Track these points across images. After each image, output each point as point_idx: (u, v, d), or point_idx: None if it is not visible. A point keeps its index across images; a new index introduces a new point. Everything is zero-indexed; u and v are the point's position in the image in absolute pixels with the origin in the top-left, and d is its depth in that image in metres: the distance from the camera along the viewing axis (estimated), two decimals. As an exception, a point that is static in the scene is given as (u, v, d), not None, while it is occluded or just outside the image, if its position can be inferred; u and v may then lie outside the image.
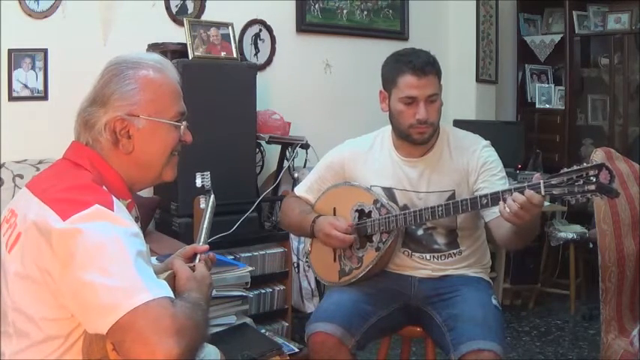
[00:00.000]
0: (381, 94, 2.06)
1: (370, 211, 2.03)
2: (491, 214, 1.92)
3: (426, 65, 1.94)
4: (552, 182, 1.61)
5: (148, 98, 1.30)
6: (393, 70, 1.99)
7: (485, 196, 1.76)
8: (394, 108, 1.99)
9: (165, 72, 1.34)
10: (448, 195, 2.01)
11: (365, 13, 4.02)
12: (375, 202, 2.02)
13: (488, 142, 2.08)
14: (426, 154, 2.04)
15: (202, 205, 1.59)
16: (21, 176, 2.69)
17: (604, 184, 1.54)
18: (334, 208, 2.10)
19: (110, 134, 1.28)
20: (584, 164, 1.59)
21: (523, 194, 1.63)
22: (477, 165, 2.00)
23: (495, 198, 1.73)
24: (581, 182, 1.56)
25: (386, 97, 2.04)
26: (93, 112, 1.28)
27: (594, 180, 1.54)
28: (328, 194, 2.14)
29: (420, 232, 2.06)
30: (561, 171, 1.61)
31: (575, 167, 1.59)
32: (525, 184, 1.65)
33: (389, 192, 2.05)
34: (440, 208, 1.87)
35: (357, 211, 2.06)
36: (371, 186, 2.07)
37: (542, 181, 1.62)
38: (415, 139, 1.99)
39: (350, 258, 2.07)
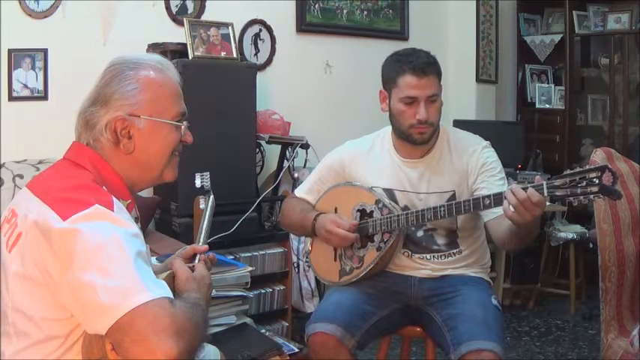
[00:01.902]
0: (381, 94, 2.06)
1: (372, 211, 2.02)
2: (490, 214, 1.91)
3: (426, 65, 1.94)
4: (555, 183, 1.61)
5: (149, 98, 1.30)
6: (393, 70, 1.99)
7: (489, 196, 1.76)
8: (394, 108, 1.99)
9: (166, 72, 1.34)
10: (448, 196, 2.01)
11: (365, 13, 4.02)
12: (377, 202, 2.01)
13: (488, 142, 2.07)
14: (426, 154, 2.04)
15: (202, 206, 1.59)
16: (21, 176, 2.69)
17: (607, 186, 1.54)
18: (335, 208, 2.10)
19: (111, 134, 1.28)
20: (587, 166, 1.59)
21: (501, 201, 1.67)
22: (476, 166, 2.00)
23: (498, 199, 1.73)
24: (584, 184, 1.56)
25: (386, 97, 2.03)
26: (94, 112, 1.28)
27: (597, 182, 1.55)
28: (329, 194, 2.14)
29: (420, 233, 2.06)
30: (564, 172, 1.61)
31: (578, 169, 1.59)
32: (528, 185, 1.65)
33: (389, 193, 2.05)
34: (442, 209, 1.87)
35: (358, 210, 2.05)
36: (372, 187, 2.06)
37: (544, 182, 1.62)
38: (415, 139, 1.98)
39: (351, 258, 2.06)
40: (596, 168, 1.56)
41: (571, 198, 1.59)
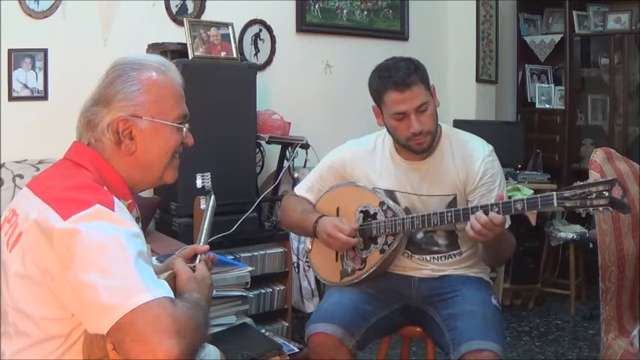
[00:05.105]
0: (374, 110, 2.04)
1: (375, 213, 2.01)
2: None
3: (407, 77, 1.89)
4: (565, 195, 1.66)
5: (151, 99, 1.30)
6: (377, 88, 1.97)
7: (497, 204, 1.76)
8: (388, 124, 1.98)
9: (169, 74, 1.35)
10: (450, 200, 2.00)
11: (365, 13, 4.02)
12: (381, 204, 2.00)
13: (491, 149, 2.04)
14: (427, 157, 2.03)
15: (203, 206, 1.59)
16: (21, 176, 2.69)
17: (617, 200, 1.59)
18: (337, 208, 2.09)
19: (113, 134, 1.28)
20: (598, 179, 1.63)
21: (510, 210, 1.74)
22: (475, 177, 1.98)
23: (507, 207, 1.75)
24: (594, 196, 1.62)
25: (379, 113, 2.02)
26: (96, 112, 1.29)
27: (607, 194, 1.60)
28: (332, 193, 2.13)
29: (420, 234, 2.05)
30: (574, 184, 1.66)
31: (588, 181, 1.64)
32: (538, 196, 1.71)
33: (391, 194, 2.05)
34: (449, 214, 1.87)
35: (361, 212, 2.04)
36: (374, 188, 2.06)
37: (555, 193, 1.67)
38: (416, 149, 1.97)
39: (353, 259, 2.06)
40: (605, 181, 1.61)
41: (580, 209, 1.65)
